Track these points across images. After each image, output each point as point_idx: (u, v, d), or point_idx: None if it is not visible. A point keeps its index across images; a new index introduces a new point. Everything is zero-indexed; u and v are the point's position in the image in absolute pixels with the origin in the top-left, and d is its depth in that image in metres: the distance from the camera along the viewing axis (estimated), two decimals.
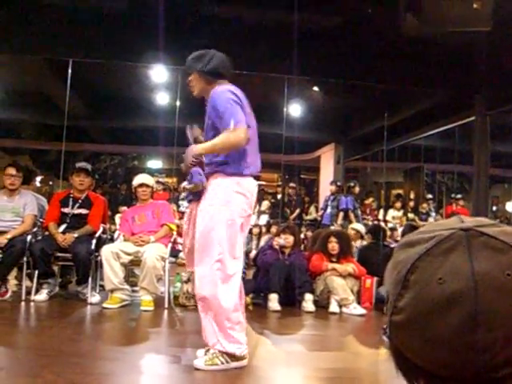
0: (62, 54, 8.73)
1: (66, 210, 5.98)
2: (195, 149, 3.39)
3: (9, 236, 5.61)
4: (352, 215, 10.17)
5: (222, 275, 3.35)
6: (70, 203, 6.01)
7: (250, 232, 8.81)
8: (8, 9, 8.22)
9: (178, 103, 10.59)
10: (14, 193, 5.97)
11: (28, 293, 5.63)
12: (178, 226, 6.42)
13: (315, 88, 11.17)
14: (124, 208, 8.61)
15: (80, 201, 6.04)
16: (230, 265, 3.38)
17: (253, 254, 6.68)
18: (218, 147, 3.36)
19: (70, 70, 8.70)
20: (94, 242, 5.76)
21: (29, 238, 5.71)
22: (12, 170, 5.92)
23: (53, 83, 10.38)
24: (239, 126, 3.25)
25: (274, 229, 7.23)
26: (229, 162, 3.43)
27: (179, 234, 6.44)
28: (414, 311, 0.71)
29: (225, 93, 3.39)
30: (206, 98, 3.55)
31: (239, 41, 8.65)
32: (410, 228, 6.85)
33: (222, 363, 3.39)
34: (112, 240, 6.29)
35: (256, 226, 10.02)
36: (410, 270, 0.73)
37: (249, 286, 6.00)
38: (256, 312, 5.66)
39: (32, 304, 5.50)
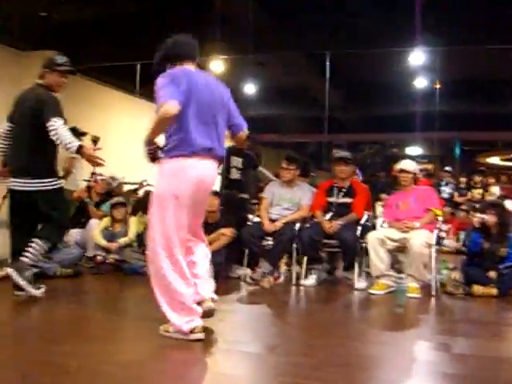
0: (319, 47, 8.99)
1: (331, 199, 6.20)
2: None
3: (283, 221, 6.00)
4: None
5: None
6: (335, 192, 6.21)
7: None
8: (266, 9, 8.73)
9: (437, 86, 10.27)
10: (289, 184, 6.34)
11: (297, 277, 5.93)
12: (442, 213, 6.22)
13: None
14: (384, 195, 8.60)
15: (344, 190, 6.20)
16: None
17: None
18: (153, 128, 3.36)
19: (327, 63, 8.93)
20: (359, 229, 5.87)
21: (297, 225, 6.00)
22: (284, 164, 6.36)
23: (311, 77, 10.76)
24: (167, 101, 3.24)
25: None
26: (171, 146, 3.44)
27: (444, 221, 6.24)
28: None
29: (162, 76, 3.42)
30: None
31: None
32: None
33: None
34: (374, 227, 6.32)
35: None
36: None
37: None
38: None
39: (301, 288, 5.79)
